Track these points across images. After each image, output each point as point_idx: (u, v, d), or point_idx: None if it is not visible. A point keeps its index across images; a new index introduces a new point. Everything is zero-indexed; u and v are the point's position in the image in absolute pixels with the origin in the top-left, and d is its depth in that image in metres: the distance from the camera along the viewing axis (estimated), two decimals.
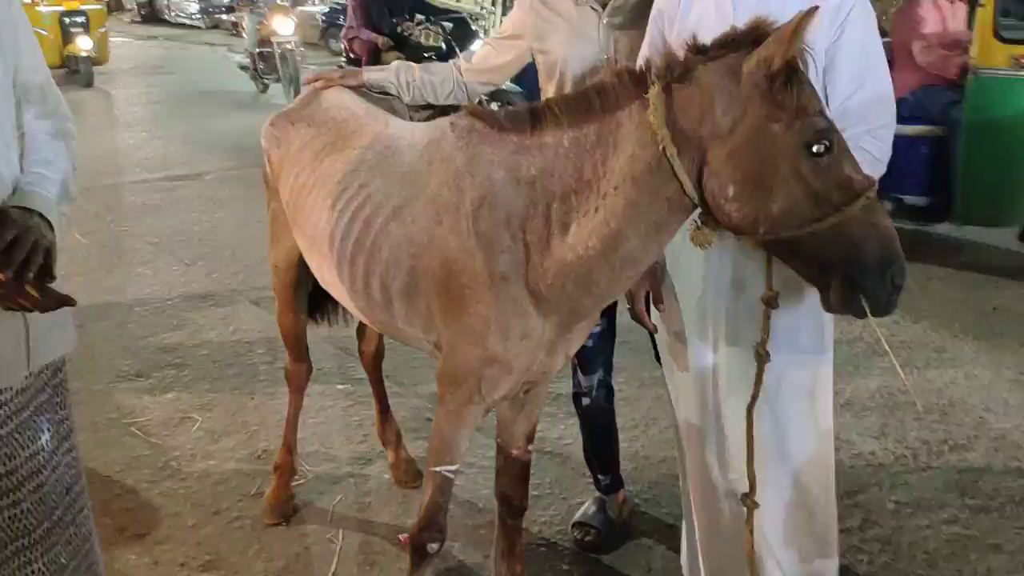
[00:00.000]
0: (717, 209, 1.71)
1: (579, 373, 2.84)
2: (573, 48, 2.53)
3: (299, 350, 3.01)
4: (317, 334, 3.35)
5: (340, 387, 4.06)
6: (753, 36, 1.65)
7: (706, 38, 2.11)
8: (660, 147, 1.70)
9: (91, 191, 7.15)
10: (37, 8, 13.46)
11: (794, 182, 1.62)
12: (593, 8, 2.50)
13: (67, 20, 13.79)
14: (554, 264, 1.86)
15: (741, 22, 2.02)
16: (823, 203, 1.62)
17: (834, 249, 1.65)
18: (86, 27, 13.88)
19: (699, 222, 1.82)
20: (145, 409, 3.85)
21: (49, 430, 1.74)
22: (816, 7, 1.61)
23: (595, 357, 2.75)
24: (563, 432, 3.62)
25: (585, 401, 2.90)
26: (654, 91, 1.72)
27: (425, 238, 2.02)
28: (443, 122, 2.13)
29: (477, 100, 2.88)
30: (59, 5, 13.98)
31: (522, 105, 2.07)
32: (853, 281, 1.66)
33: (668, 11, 2.23)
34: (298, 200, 2.38)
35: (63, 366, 1.84)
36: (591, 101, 1.82)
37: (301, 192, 2.36)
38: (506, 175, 1.91)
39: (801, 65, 1.63)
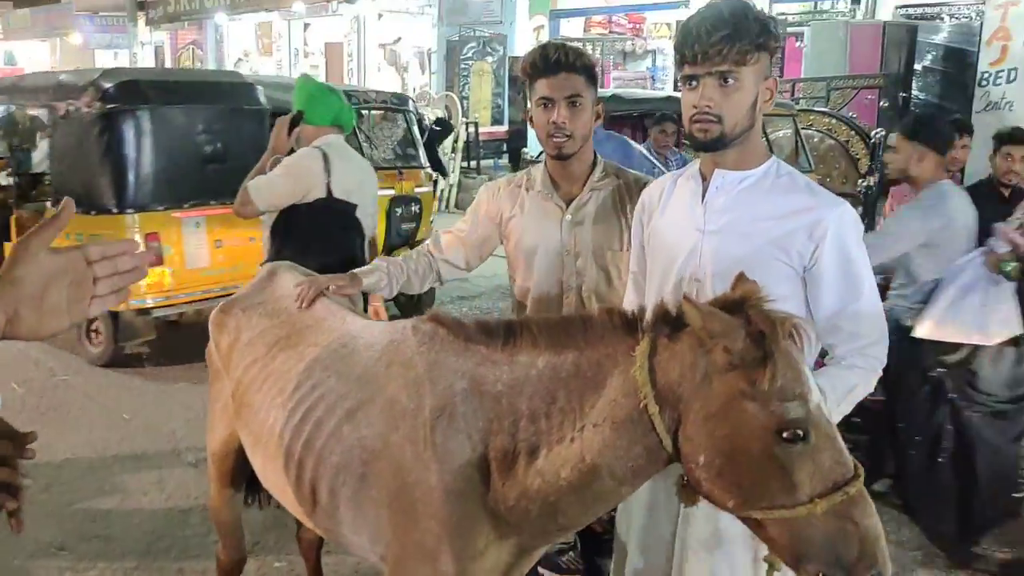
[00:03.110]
0: (689, 472, 1.63)
1: None
2: (538, 239, 2.56)
3: (234, 540, 2.85)
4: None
5: (277, 564, 3.83)
6: (742, 304, 1.56)
7: (675, 240, 2.08)
8: (642, 403, 1.62)
9: None
10: None
11: (765, 464, 1.51)
12: (557, 205, 2.54)
13: (399, 211, 8.45)
14: (518, 487, 1.76)
15: (709, 234, 2.01)
16: (795, 491, 1.50)
17: (805, 540, 1.51)
18: (419, 220, 8.75)
19: (685, 479, 1.72)
20: None
21: None
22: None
23: None
24: None
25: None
26: (642, 347, 1.65)
27: (379, 444, 1.93)
28: (405, 324, 2.08)
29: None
30: (387, 188, 8.21)
31: (495, 319, 2.00)
32: None
33: (649, 204, 2.21)
34: (246, 395, 2.28)
35: None
36: (574, 331, 1.76)
37: (251, 387, 2.27)
38: (469, 386, 1.83)
39: (784, 343, 1.52)
